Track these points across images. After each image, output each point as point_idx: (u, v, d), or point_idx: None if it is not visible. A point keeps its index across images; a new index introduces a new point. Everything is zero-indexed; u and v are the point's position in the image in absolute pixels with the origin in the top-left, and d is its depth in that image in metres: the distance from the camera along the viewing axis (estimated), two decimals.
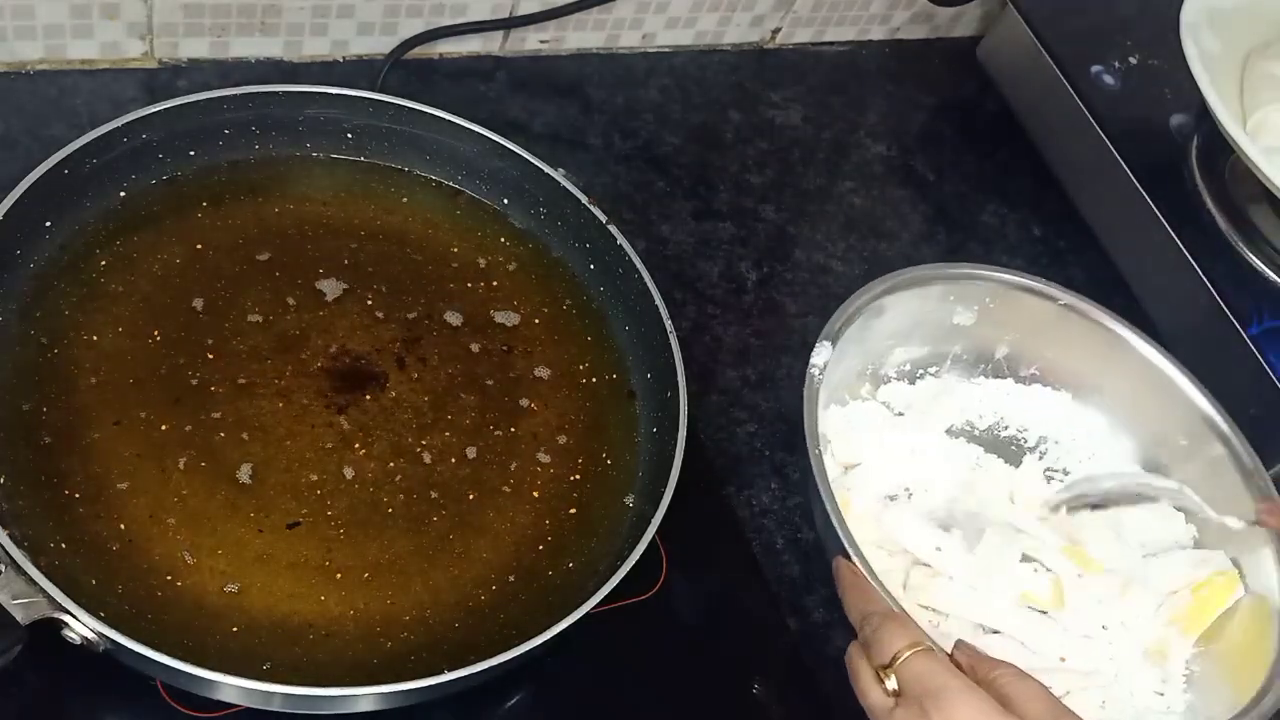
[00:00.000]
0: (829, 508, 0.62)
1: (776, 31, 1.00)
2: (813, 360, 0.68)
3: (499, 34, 0.89)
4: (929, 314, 0.75)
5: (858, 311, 0.70)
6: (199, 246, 0.70)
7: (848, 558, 0.61)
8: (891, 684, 0.54)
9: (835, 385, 0.72)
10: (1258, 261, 0.85)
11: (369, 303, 0.71)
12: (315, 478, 0.64)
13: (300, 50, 0.85)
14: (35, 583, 0.54)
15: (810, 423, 0.65)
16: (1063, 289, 0.76)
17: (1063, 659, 0.68)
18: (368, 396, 0.68)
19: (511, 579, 0.64)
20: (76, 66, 0.79)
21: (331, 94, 0.73)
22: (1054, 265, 0.95)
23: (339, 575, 0.62)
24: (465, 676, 0.56)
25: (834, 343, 0.69)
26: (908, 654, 0.54)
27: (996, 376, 0.78)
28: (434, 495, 0.66)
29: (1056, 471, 0.77)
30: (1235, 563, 0.72)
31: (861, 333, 0.72)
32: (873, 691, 0.55)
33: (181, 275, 0.69)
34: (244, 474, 0.63)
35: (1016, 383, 0.78)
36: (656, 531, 0.63)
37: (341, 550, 0.63)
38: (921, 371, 0.78)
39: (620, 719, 0.67)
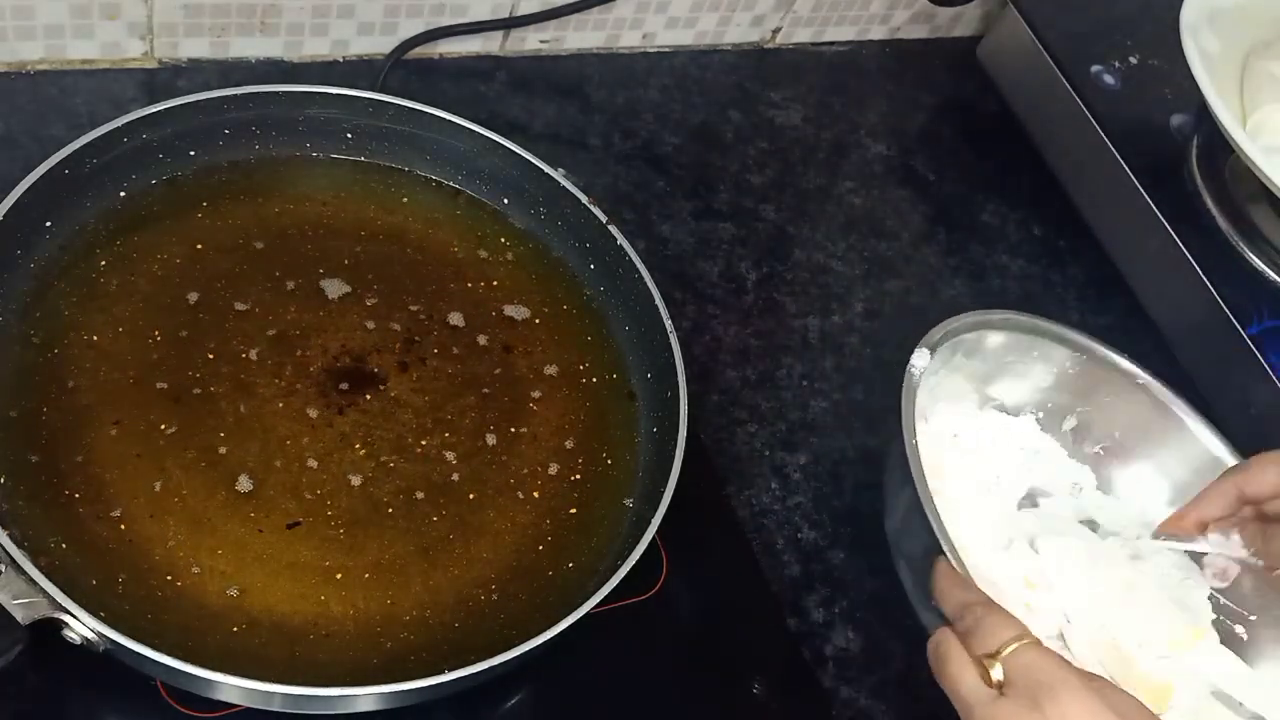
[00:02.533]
0: (924, 501, 0.61)
1: (776, 31, 1.00)
2: (913, 361, 0.68)
3: (499, 34, 0.89)
4: (1011, 362, 0.75)
5: (953, 332, 0.70)
6: (199, 246, 0.70)
7: (940, 552, 0.60)
8: (996, 674, 0.52)
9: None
10: (1258, 261, 0.85)
11: (369, 303, 0.71)
12: (315, 478, 0.64)
13: (300, 50, 0.85)
14: (35, 583, 0.54)
15: (908, 414, 0.65)
16: (1142, 368, 0.74)
17: None
18: (367, 396, 0.68)
19: (511, 579, 0.64)
20: (76, 66, 0.79)
21: (331, 94, 0.73)
22: (1054, 265, 0.95)
23: (339, 575, 0.62)
24: (465, 676, 0.56)
25: (933, 351, 0.69)
26: (1016, 645, 0.52)
27: (1060, 445, 0.77)
28: (434, 495, 0.66)
29: None
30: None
31: (950, 356, 0.72)
32: (969, 679, 0.53)
33: (181, 275, 0.69)
34: (244, 474, 0.63)
35: (1075, 457, 0.77)
36: (656, 532, 0.63)
37: (341, 550, 0.63)
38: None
39: (620, 719, 0.66)
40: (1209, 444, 0.74)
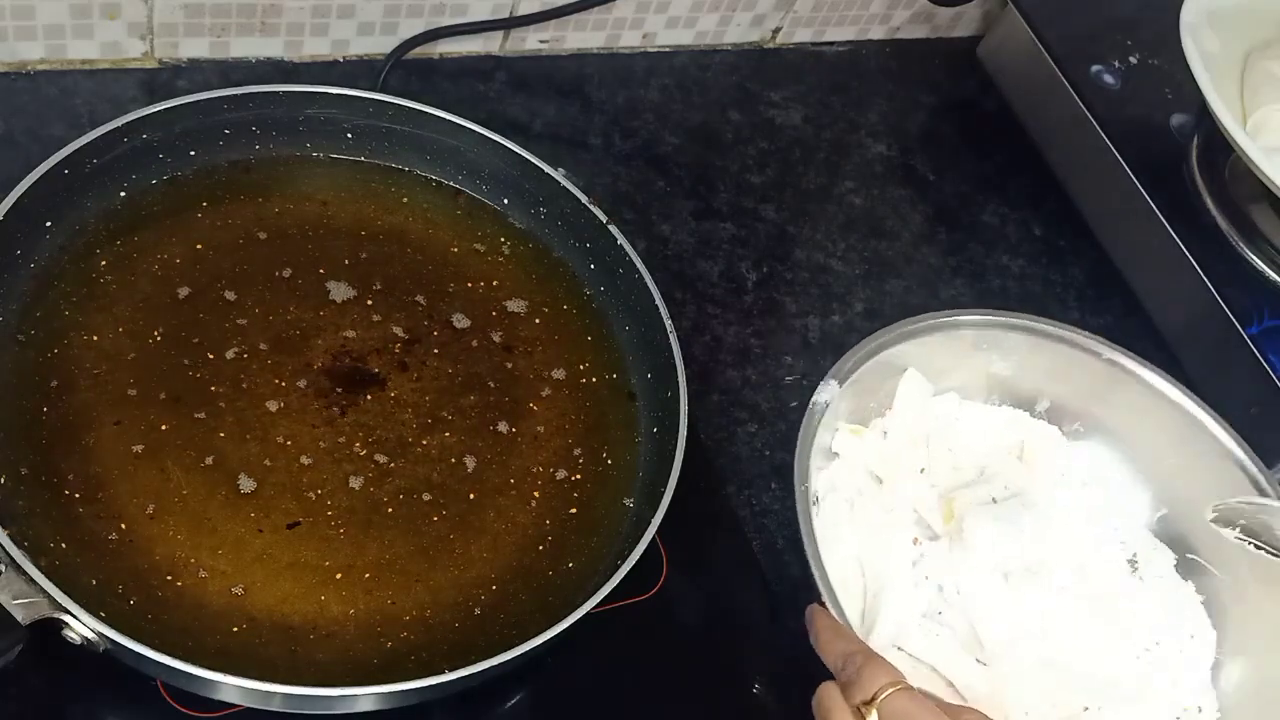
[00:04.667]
0: (808, 547, 0.62)
1: (777, 31, 1.00)
2: (816, 397, 0.66)
3: (499, 34, 0.89)
4: (963, 359, 0.74)
5: (871, 352, 0.69)
6: (199, 246, 0.70)
7: (822, 603, 0.61)
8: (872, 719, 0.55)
9: (845, 415, 0.71)
10: (1258, 261, 0.85)
11: (369, 303, 0.71)
12: (316, 478, 0.64)
13: (300, 50, 0.85)
14: (35, 583, 0.54)
15: (802, 459, 0.64)
16: (1105, 342, 0.74)
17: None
18: (368, 396, 0.68)
19: (511, 579, 0.64)
20: (77, 66, 0.79)
21: (332, 94, 0.73)
22: (1054, 265, 0.95)
23: (339, 575, 0.62)
24: (465, 676, 0.56)
25: (841, 383, 0.67)
26: (890, 690, 0.54)
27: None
28: (434, 495, 0.66)
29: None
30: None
31: (879, 372, 0.70)
32: None
33: (182, 275, 0.69)
34: (244, 474, 0.63)
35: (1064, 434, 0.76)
36: (656, 531, 0.63)
37: (342, 550, 0.63)
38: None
39: (620, 719, 0.67)
40: (1192, 411, 0.73)
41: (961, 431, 0.74)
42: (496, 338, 0.72)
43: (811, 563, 0.62)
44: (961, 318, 0.73)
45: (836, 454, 0.71)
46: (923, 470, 0.73)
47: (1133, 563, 0.72)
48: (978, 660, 0.66)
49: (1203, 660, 0.70)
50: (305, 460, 0.65)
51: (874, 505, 0.70)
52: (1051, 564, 0.69)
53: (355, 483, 0.65)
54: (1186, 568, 0.73)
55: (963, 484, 0.72)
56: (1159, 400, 0.74)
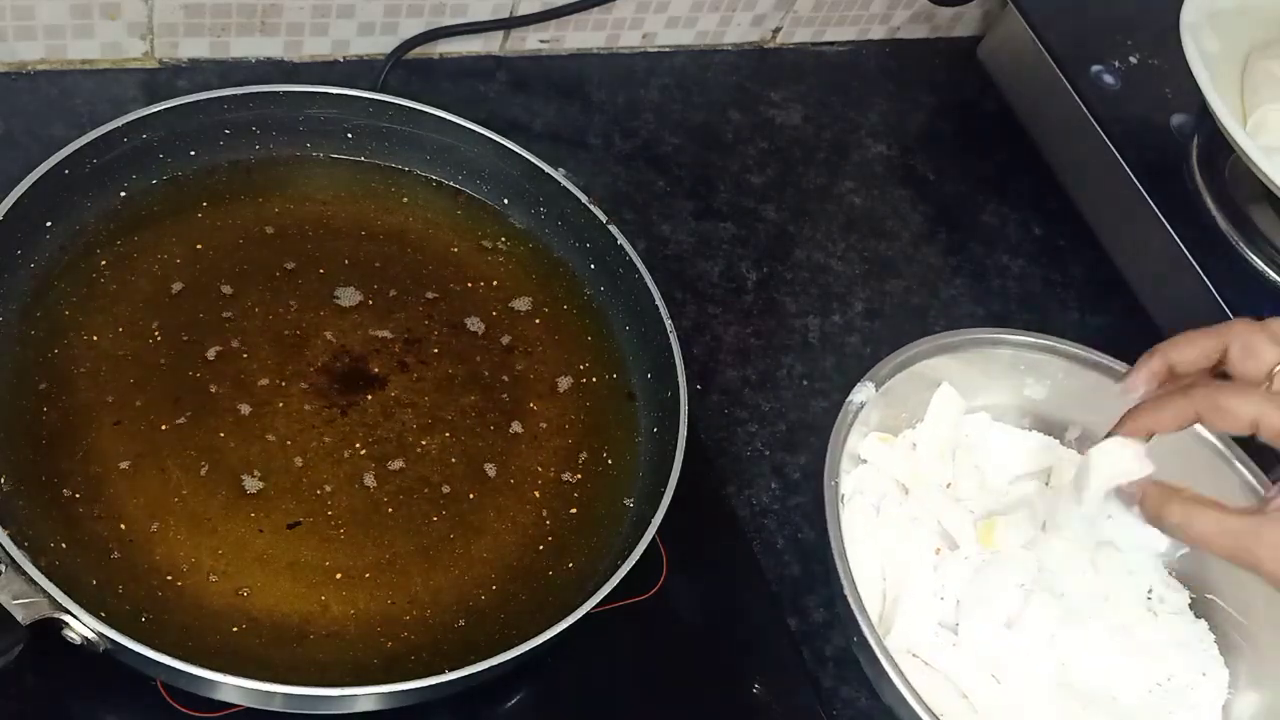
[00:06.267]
0: (833, 538, 0.62)
1: (777, 31, 1.00)
2: (851, 396, 0.67)
3: (499, 34, 0.89)
4: (997, 379, 0.74)
5: (908, 361, 0.69)
6: (199, 246, 0.70)
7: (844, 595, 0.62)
8: None
9: (874, 424, 0.71)
10: (1258, 261, 0.85)
11: (369, 303, 0.71)
12: (316, 478, 0.64)
13: (300, 50, 0.85)
14: (35, 583, 0.54)
15: (833, 455, 0.64)
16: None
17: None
18: (368, 396, 0.68)
19: (511, 579, 0.64)
20: (77, 66, 0.79)
21: (332, 94, 0.74)
22: (1054, 265, 0.95)
23: (339, 575, 0.62)
24: (465, 676, 0.56)
25: (878, 386, 0.68)
26: None
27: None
28: (434, 495, 0.66)
29: None
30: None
31: (912, 382, 0.71)
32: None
33: (181, 275, 0.69)
34: (244, 474, 0.63)
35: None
36: (656, 531, 0.63)
37: (342, 550, 0.63)
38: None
39: (620, 719, 0.67)
40: (1218, 446, 0.72)
41: (991, 452, 0.74)
42: (497, 338, 0.72)
43: (836, 556, 0.62)
44: (1001, 336, 0.73)
45: (864, 460, 0.71)
46: (948, 485, 0.73)
47: (1149, 597, 0.71)
48: (992, 676, 0.66)
49: (1214, 698, 0.70)
50: (305, 460, 0.65)
51: (899, 512, 0.70)
52: (1073, 589, 0.68)
53: (355, 483, 0.65)
54: (1201, 606, 0.72)
55: (997, 506, 0.72)
56: (1190, 437, 0.72)
